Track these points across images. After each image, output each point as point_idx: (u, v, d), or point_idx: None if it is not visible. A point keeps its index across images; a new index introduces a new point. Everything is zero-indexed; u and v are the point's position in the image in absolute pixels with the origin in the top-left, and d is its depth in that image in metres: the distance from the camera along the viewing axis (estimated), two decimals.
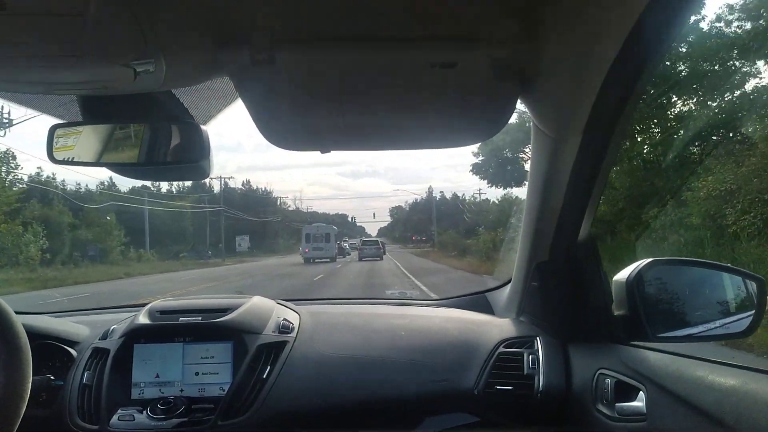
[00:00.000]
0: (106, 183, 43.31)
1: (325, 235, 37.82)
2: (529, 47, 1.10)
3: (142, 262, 36.42)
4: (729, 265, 1.40)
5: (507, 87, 1.21)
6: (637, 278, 1.33)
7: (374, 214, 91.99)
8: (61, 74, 1.02)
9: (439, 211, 61.26)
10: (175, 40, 0.99)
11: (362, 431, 1.53)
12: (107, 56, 0.95)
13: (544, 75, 1.20)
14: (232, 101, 1.40)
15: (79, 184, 44.81)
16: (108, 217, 36.24)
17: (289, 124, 1.33)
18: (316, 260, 35.77)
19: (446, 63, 1.09)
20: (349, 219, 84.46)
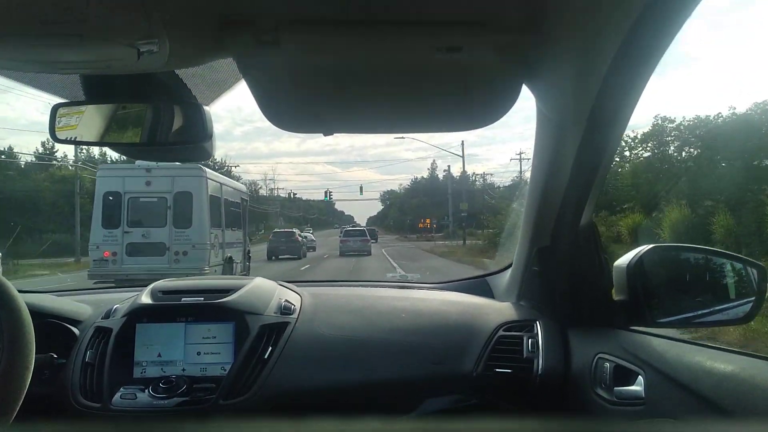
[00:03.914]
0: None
1: (161, 203, 12.94)
2: (534, 32, 1.10)
3: None
4: (730, 252, 1.40)
5: (512, 72, 1.20)
6: (637, 263, 1.34)
7: (361, 187, 77.22)
8: (64, 53, 1.01)
9: (444, 193, 49.98)
10: (179, 21, 0.98)
11: (362, 412, 1.55)
12: (111, 36, 0.94)
13: (550, 60, 1.20)
14: (235, 82, 1.39)
15: None
16: None
17: (292, 106, 1.33)
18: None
19: (451, 47, 1.08)
20: (327, 197, 66.22)
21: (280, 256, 26.50)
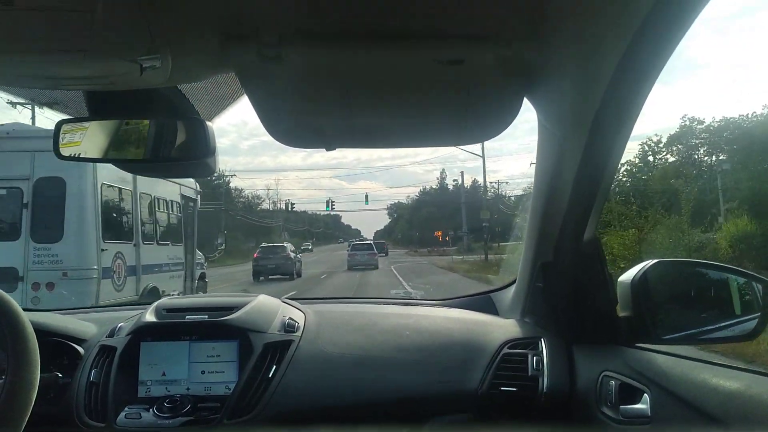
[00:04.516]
0: None
1: (12, 199, 7.72)
2: (536, 45, 1.10)
3: None
4: (735, 267, 1.39)
5: (513, 85, 1.21)
6: (642, 279, 1.33)
7: (366, 196, 69.14)
8: (67, 69, 1.02)
9: (455, 204, 48.09)
10: (181, 36, 0.99)
11: (366, 430, 1.54)
12: (114, 52, 0.95)
13: (551, 73, 1.20)
14: (238, 98, 1.40)
15: None
16: None
17: (294, 121, 1.33)
18: None
19: (453, 60, 1.09)
20: (328, 207, 64.26)
21: (269, 276, 23.54)
